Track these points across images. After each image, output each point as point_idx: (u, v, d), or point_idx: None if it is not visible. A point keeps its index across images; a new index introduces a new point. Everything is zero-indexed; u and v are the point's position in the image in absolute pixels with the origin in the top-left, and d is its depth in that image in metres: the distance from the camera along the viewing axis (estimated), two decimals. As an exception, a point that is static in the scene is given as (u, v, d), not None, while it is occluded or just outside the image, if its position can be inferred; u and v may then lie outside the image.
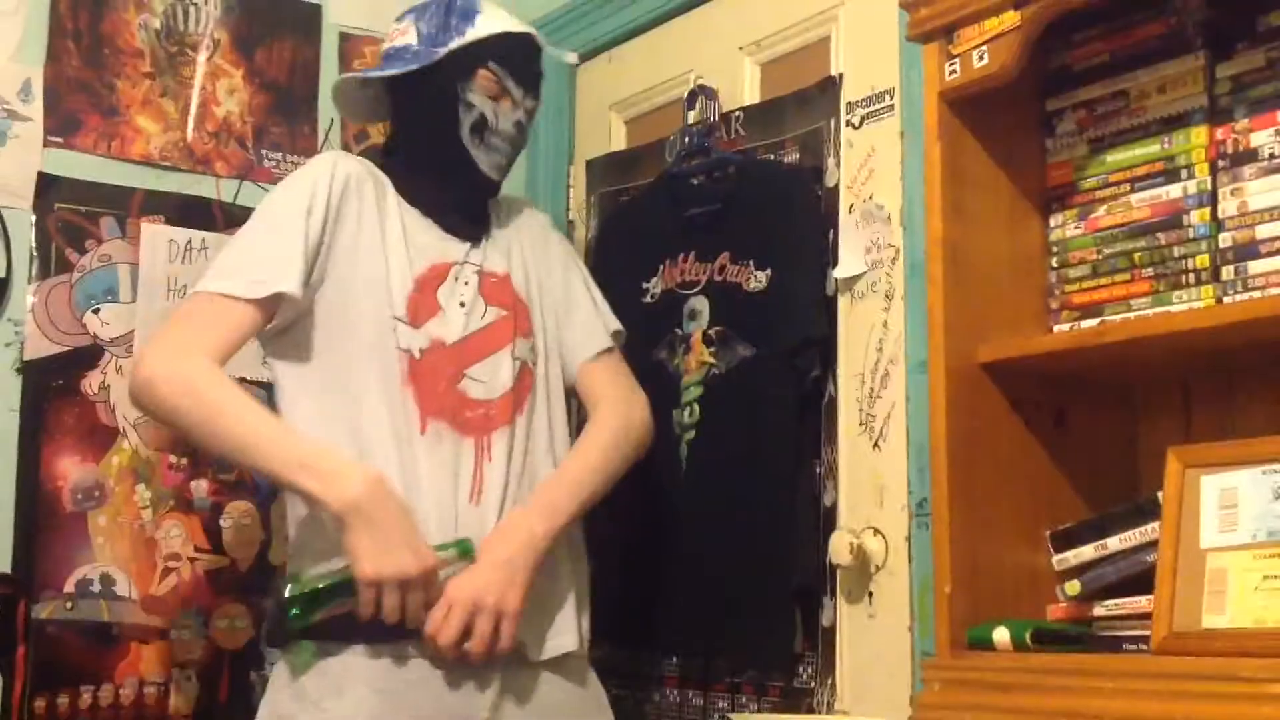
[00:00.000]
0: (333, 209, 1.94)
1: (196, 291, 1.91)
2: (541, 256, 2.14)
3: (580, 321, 2.14)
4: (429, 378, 1.93)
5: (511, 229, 2.13)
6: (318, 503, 1.80)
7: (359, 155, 2.64)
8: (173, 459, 2.43)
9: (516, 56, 2.06)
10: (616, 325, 2.18)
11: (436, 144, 2.03)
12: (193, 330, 1.87)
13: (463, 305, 1.99)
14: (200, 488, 2.45)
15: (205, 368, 1.83)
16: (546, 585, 1.94)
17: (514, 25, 2.08)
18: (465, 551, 1.85)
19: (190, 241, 2.48)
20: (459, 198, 2.06)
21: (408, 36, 2.05)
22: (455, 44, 2.02)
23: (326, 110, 2.65)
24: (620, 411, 2.08)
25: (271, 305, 1.90)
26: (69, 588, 2.32)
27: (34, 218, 2.37)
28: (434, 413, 1.92)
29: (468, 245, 2.04)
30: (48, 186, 2.39)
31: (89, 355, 2.39)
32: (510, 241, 2.11)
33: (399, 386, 1.92)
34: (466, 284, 2.02)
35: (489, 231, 2.10)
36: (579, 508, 1.98)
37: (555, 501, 1.95)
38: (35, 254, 2.36)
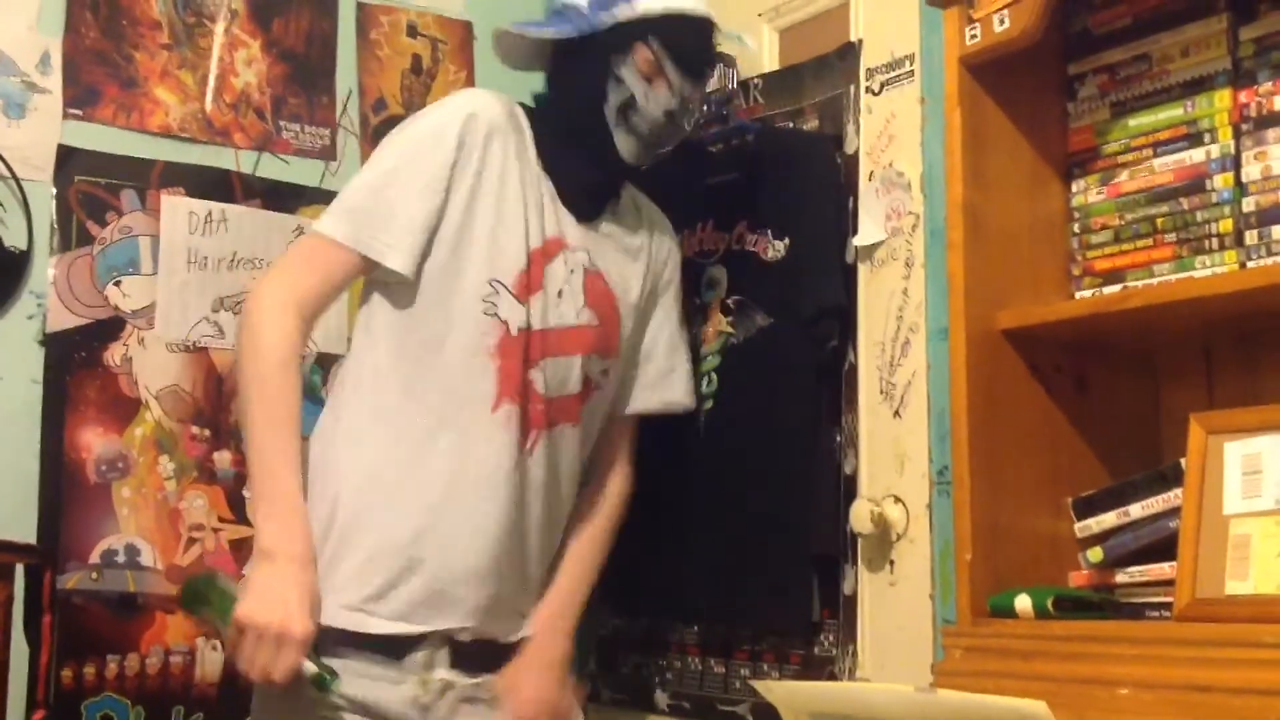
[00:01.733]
0: (467, 170, 1.90)
1: (317, 230, 1.92)
2: (653, 286, 2.11)
3: (652, 373, 2.13)
4: (512, 357, 1.92)
5: (638, 238, 2.09)
6: (255, 532, 1.85)
7: (377, 125, 2.65)
8: (195, 430, 2.44)
9: (685, 38, 1.95)
10: (674, 398, 2.16)
11: (581, 114, 1.96)
12: (301, 275, 1.90)
13: (561, 295, 1.96)
14: (223, 458, 2.46)
15: (288, 346, 1.85)
16: (519, 589, 1.99)
17: (690, 3, 1.96)
18: (324, 685, 1.79)
19: (210, 213, 2.48)
20: (591, 175, 2.01)
21: None
22: (622, 13, 1.92)
23: (345, 80, 2.65)
24: (628, 491, 2.15)
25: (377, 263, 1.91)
26: (94, 558, 2.33)
27: (54, 190, 2.38)
28: (509, 394, 1.91)
29: (583, 229, 2.00)
30: (67, 159, 2.39)
31: (111, 327, 2.39)
32: (630, 252, 2.08)
33: (486, 358, 1.90)
34: (573, 273, 1.98)
35: (615, 225, 2.06)
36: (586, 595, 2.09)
37: (576, 597, 2.07)
38: (56, 226, 2.37)
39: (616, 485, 2.14)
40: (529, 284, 1.93)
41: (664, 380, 2.14)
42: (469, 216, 1.91)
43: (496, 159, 1.93)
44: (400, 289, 1.92)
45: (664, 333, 2.14)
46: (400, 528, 1.88)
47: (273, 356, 1.85)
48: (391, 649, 1.86)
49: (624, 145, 1.96)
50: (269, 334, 1.85)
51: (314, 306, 1.90)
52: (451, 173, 1.90)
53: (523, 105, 2.03)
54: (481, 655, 1.94)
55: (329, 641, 1.81)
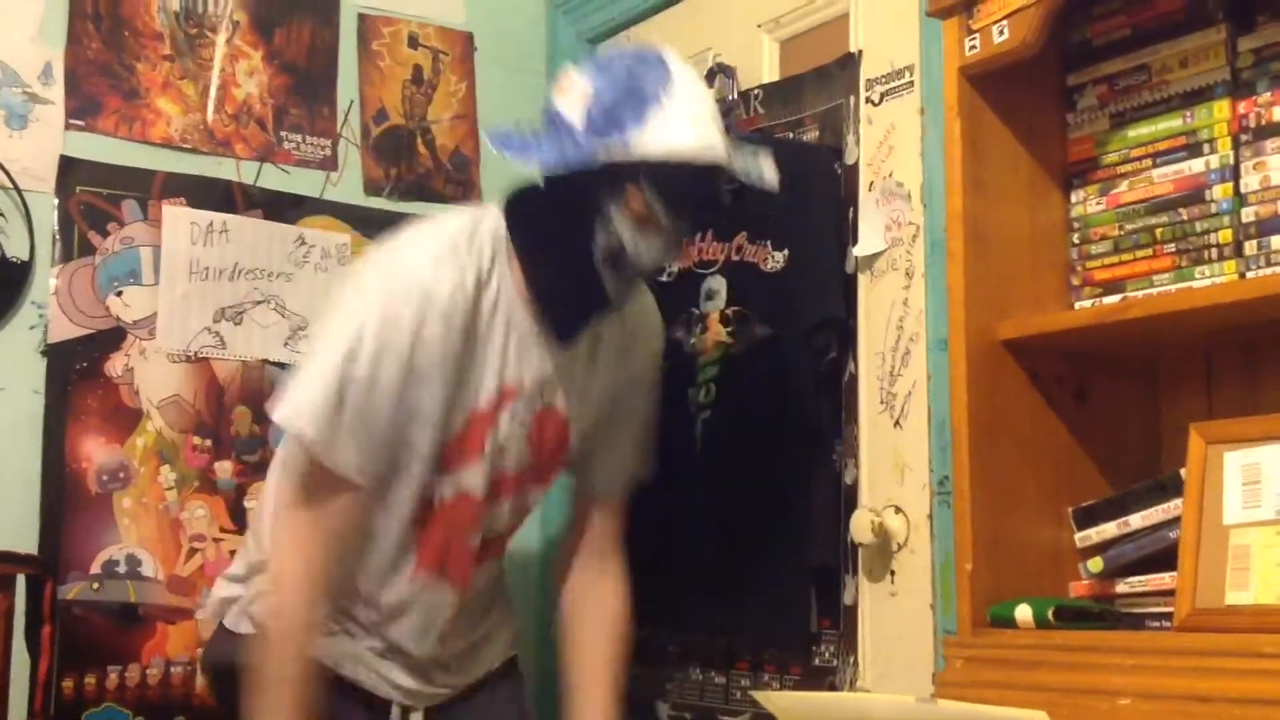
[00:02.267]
0: (420, 355, 1.77)
1: (306, 446, 1.78)
2: (638, 373, 2.02)
3: (622, 455, 2.06)
4: (439, 527, 1.89)
5: (623, 338, 1.98)
6: None
7: (378, 135, 2.65)
8: (196, 440, 2.44)
9: (683, 183, 1.73)
10: (640, 470, 2.09)
11: (569, 249, 1.79)
12: (317, 516, 1.82)
13: (504, 451, 1.88)
14: (224, 469, 2.46)
15: (304, 626, 1.81)
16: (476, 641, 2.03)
17: (690, 141, 1.69)
18: None
19: (211, 223, 2.49)
20: (577, 311, 1.86)
21: (575, 106, 1.73)
22: (616, 152, 1.69)
23: (346, 91, 2.65)
24: (626, 596, 2.09)
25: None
26: (95, 569, 2.33)
27: (56, 201, 2.38)
28: (428, 564, 1.91)
29: (552, 364, 1.88)
30: (69, 169, 2.39)
31: (112, 337, 2.40)
32: (614, 349, 1.97)
33: (408, 530, 1.88)
34: (522, 425, 1.88)
35: (596, 333, 1.93)
36: None
37: None
38: (58, 237, 2.37)
39: (619, 594, 2.08)
40: (465, 454, 1.85)
41: (634, 460, 2.08)
42: (420, 385, 1.79)
43: (454, 338, 1.79)
44: None
45: (638, 412, 2.06)
46: None
47: (290, 629, 1.82)
48: None
49: (613, 288, 1.81)
50: (293, 601, 1.82)
51: (338, 549, 1.85)
52: (408, 365, 1.77)
53: (510, 203, 1.88)
54: None
55: None
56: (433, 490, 1.87)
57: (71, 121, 2.41)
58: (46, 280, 2.35)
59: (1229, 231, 1.62)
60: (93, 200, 2.41)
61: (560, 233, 1.80)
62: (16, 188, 2.33)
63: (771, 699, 1.65)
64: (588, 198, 1.75)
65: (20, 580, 2.12)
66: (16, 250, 2.33)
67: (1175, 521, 1.60)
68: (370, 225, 2.54)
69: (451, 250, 1.80)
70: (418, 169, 2.71)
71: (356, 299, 1.81)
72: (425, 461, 1.83)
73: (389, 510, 1.87)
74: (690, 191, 1.75)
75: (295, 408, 1.78)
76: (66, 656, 2.27)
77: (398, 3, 2.71)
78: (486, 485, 1.88)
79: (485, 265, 1.82)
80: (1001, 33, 1.70)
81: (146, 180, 2.45)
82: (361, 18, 2.70)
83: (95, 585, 2.33)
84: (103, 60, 2.45)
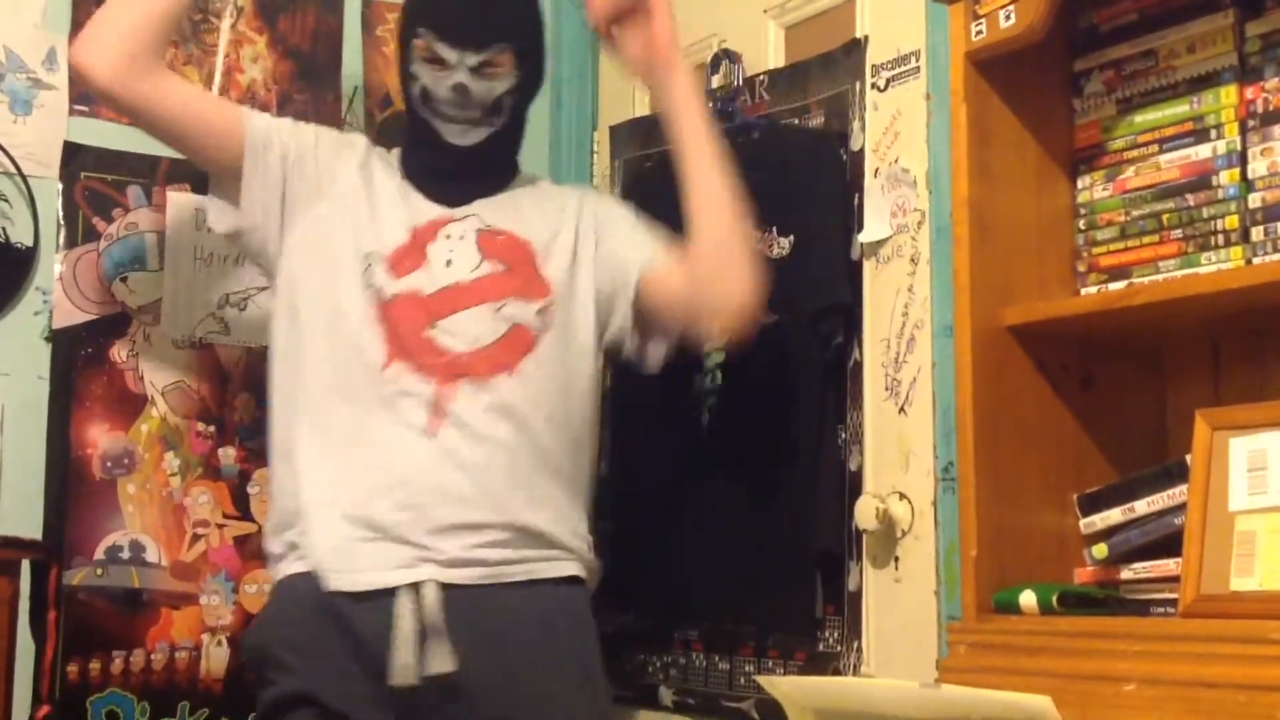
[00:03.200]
0: (350, 163, 2.04)
1: None
2: (592, 224, 2.08)
3: (622, 237, 2.07)
4: (396, 322, 1.94)
5: (555, 200, 2.11)
6: None
7: (382, 122, 2.66)
8: (200, 426, 2.44)
9: (448, 13, 2.01)
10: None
11: (410, 119, 2.07)
12: None
13: (449, 263, 1.98)
14: (228, 455, 2.46)
15: None
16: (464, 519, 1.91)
17: None
18: None
19: (216, 210, 2.48)
20: (441, 168, 2.05)
21: None
22: (400, 15, 2.09)
23: (350, 77, 2.65)
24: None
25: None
26: (99, 554, 2.33)
27: (60, 187, 2.38)
28: (398, 354, 1.93)
29: (465, 207, 2.04)
30: (74, 155, 2.39)
31: (117, 323, 2.40)
32: (549, 207, 2.09)
33: (370, 325, 1.94)
34: (462, 239, 2.01)
35: (523, 192, 2.10)
36: (708, 144, 1.99)
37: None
38: (62, 223, 2.37)
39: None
40: (408, 260, 1.97)
41: (638, 232, 2.08)
42: (337, 205, 2.01)
43: (380, 172, 2.06)
44: (289, 273, 2.01)
45: (614, 218, 2.11)
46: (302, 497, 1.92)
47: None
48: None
49: (448, 131, 2.01)
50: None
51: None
52: (347, 156, 2.05)
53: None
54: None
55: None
56: (379, 283, 1.95)
57: (76, 107, 2.41)
58: (51, 266, 2.35)
59: (1236, 217, 1.62)
60: (97, 186, 2.41)
61: (405, 104, 2.08)
62: (21, 173, 2.33)
63: (775, 684, 1.65)
64: (404, 66, 2.05)
65: (25, 566, 2.12)
66: (21, 236, 2.33)
67: (1180, 508, 1.60)
68: (375, 211, 2.53)
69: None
70: (422, 155, 2.70)
71: None
72: (358, 248, 1.97)
73: (342, 309, 1.95)
74: (457, 16, 1.99)
75: None
76: (71, 642, 2.27)
77: (402, -12, 2.71)
78: (435, 287, 1.96)
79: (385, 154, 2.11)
80: (1008, 18, 1.70)
81: (151, 166, 2.45)
82: (366, 3, 2.69)
83: (99, 571, 2.33)
84: (107, 46, 2.44)
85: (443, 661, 1.82)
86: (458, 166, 2.05)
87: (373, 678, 1.83)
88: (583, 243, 2.06)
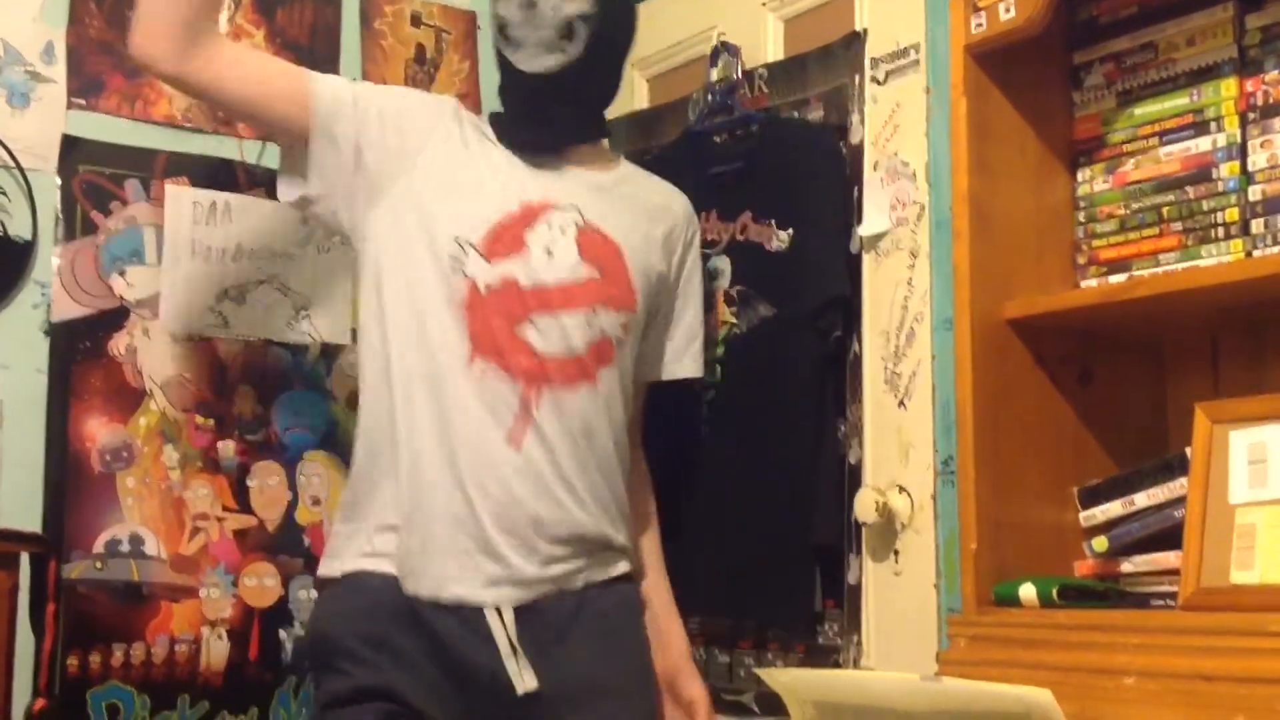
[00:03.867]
0: (446, 132, 1.97)
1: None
2: (681, 255, 2.09)
3: (682, 336, 2.11)
4: (488, 313, 1.89)
5: (657, 199, 2.08)
6: None
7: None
8: (199, 419, 2.44)
9: None
10: (698, 371, 2.16)
11: (498, 66, 1.99)
12: None
13: (550, 253, 1.92)
14: (227, 448, 2.46)
15: None
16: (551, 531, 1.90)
17: None
18: None
19: (215, 203, 2.48)
20: (521, 109, 1.99)
21: None
22: None
23: (349, 70, 2.64)
24: (647, 476, 2.16)
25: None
26: (98, 548, 2.33)
27: (59, 180, 2.37)
28: (484, 350, 1.88)
29: (576, 185, 1.98)
30: (71, 149, 2.39)
31: (115, 317, 2.39)
32: (647, 213, 2.05)
33: (456, 310, 1.89)
34: (563, 232, 1.94)
35: (624, 184, 2.05)
36: None
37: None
38: (60, 216, 2.37)
39: (647, 501, 2.14)
40: (504, 244, 1.91)
41: (694, 344, 2.12)
42: (432, 176, 1.94)
43: (471, 136, 1.98)
44: (375, 250, 1.94)
45: (691, 305, 2.12)
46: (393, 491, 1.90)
47: None
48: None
49: (519, 58, 1.93)
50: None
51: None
52: (433, 122, 1.97)
53: None
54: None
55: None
56: (472, 272, 1.89)
57: (74, 100, 2.40)
58: (49, 260, 2.35)
59: (1235, 210, 1.62)
60: (95, 179, 2.41)
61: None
62: (19, 166, 2.33)
63: (775, 677, 1.65)
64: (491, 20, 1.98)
65: (24, 559, 2.12)
66: (19, 229, 2.33)
67: (1180, 501, 1.60)
68: (373, 205, 2.53)
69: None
70: (421, 148, 2.70)
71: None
72: (452, 231, 1.90)
73: (430, 294, 1.89)
74: None
75: None
76: (71, 635, 2.27)
77: (401, -19, 2.71)
78: (532, 281, 1.90)
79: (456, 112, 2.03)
80: (1008, 11, 1.70)
81: (149, 159, 2.45)
82: (364, -4, 2.69)
83: (99, 564, 2.33)
84: (105, 39, 2.44)
85: (529, 678, 1.84)
86: (536, 101, 1.97)
87: (456, 683, 1.84)
88: (669, 282, 2.07)
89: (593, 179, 2.02)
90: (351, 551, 1.92)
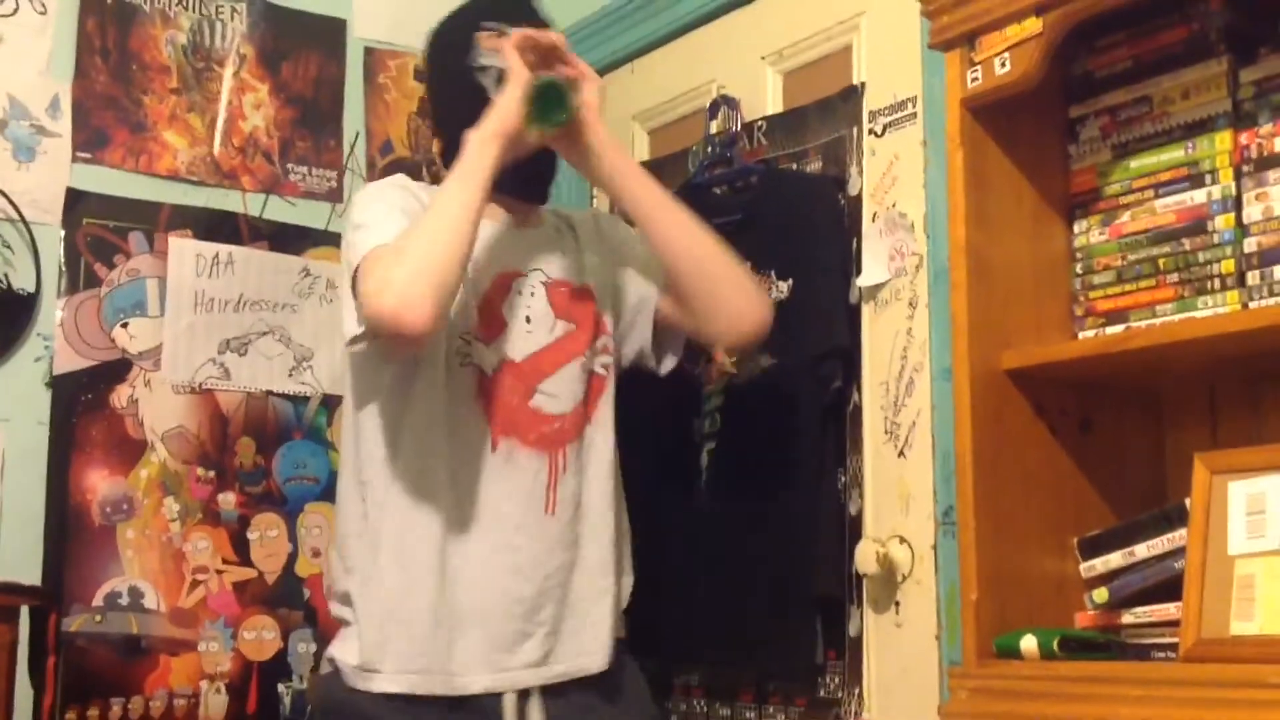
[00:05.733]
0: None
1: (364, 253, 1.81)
2: (604, 246, 2.06)
3: (640, 261, 2.04)
4: (500, 395, 1.90)
5: (577, 231, 2.06)
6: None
7: (383, 168, 2.68)
8: (200, 471, 2.44)
9: (503, 5, 1.95)
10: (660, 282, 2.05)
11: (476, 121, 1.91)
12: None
13: (529, 321, 1.94)
14: (228, 500, 2.46)
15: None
16: (588, 592, 1.93)
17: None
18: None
19: (218, 255, 2.50)
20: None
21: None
22: (442, 24, 1.97)
23: (352, 123, 2.67)
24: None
25: None
26: (98, 600, 2.33)
27: (63, 233, 2.39)
28: (505, 430, 1.90)
29: (531, 252, 1.97)
30: (76, 202, 2.41)
31: (118, 369, 2.40)
32: (566, 247, 2.04)
33: (470, 402, 1.89)
34: (533, 295, 1.95)
35: (545, 234, 2.02)
36: (654, 202, 1.94)
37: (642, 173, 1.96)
38: (64, 269, 2.38)
39: None
40: (493, 325, 1.92)
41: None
42: None
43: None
44: (370, 354, 1.90)
45: (629, 239, 2.07)
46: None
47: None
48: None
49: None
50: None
51: None
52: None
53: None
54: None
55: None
56: (478, 359, 1.89)
57: (79, 154, 2.42)
58: (52, 312, 2.36)
59: (1231, 262, 1.62)
60: (99, 232, 2.42)
61: (462, 117, 1.89)
62: (24, 219, 2.35)
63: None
64: (459, 75, 1.94)
65: (24, 611, 2.12)
66: (23, 282, 2.34)
67: (1180, 551, 1.60)
68: (375, 257, 2.54)
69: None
70: (423, 201, 2.72)
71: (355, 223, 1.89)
72: (452, 327, 1.87)
73: (447, 389, 1.88)
74: (513, 4, 1.95)
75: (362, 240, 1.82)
76: (70, 688, 2.26)
77: (404, 36, 2.73)
78: (523, 353, 1.91)
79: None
80: (1003, 65, 1.71)
81: (153, 212, 2.47)
82: (368, 51, 2.72)
83: (98, 617, 2.32)
84: (110, 93, 2.46)
85: None
86: (531, 161, 1.92)
87: None
88: (612, 270, 2.05)
89: (534, 233, 2.01)
90: (349, 663, 1.88)
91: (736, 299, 1.95)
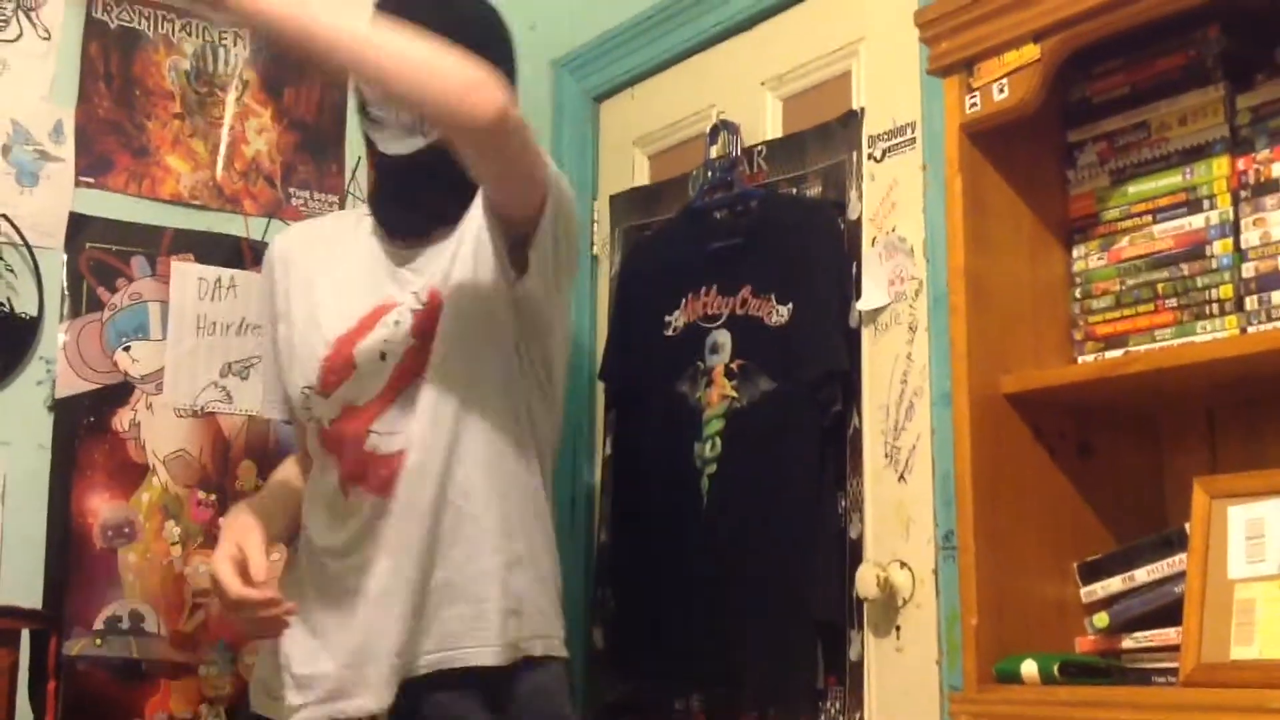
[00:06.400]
0: (273, 303, 1.98)
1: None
2: (480, 229, 1.87)
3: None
4: (341, 444, 1.88)
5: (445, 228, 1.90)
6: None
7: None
8: (201, 495, 2.44)
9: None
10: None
11: (366, 153, 1.98)
12: None
13: (384, 357, 1.86)
14: (229, 523, 2.46)
15: None
16: (462, 566, 1.83)
17: None
18: None
19: (220, 279, 2.51)
20: (389, 191, 1.94)
21: None
22: None
23: (354, 148, 2.68)
24: None
25: None
26: (98, 624, 2.33)
27: (65, 257, 2.40)
28: (351, 478, 1.87)
29: (413, 272, 1.88)
30: (79, 226, 2.41)
31: (120, 392, 2.41)
32: (441, 243, 1.90)
33: (323, 454, 1.91)
34: (398, 324, 1.86)
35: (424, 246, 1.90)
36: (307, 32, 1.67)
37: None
38: (67, 293, 2.39)
39: None
40: (336, 372, 1.88)
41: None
42: (279, 338, 1.97)
43: (296, 273, 1.97)
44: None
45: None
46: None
47: None
48: None
49: (381, 141, 1.87)
50: None
51: None
52: (271, 310, 1.99)
53: None
54: None
55: None
56: (318, 413, 1.90)
57: (82, 179, 2.43)
58: (55, 336, 2.37)
59: (1230, 287, 1.63)
60: (102, 256, 2.43)
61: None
62: (26, 244, 2.35)
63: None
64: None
65: (25, 635, 2.12)
66: (25, 306, 2.35)
67: (1180, 576, 1.60)
68: (377, 281, 2.55)
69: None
70: (424, 225, 2.73)
71: None
72: (296, 383, 1.91)
73: (305, 436, 1.98)
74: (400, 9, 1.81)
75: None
76: (70, 712, 2.26)
77: (405, 61, 2.74)
78: (370, 392, 1.86)
79: (353, 218, 2.02)
80: (1001, 91, 1.72)
81: (156, 237, 2.47)
82: (369, 76, 2.73)
83: (98, 641, 2.32)
84: (113, 118, 2.48)
85: None
86: (400, 182, 1.90)
87: None
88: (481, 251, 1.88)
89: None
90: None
91: (446, 89, 1.67)
